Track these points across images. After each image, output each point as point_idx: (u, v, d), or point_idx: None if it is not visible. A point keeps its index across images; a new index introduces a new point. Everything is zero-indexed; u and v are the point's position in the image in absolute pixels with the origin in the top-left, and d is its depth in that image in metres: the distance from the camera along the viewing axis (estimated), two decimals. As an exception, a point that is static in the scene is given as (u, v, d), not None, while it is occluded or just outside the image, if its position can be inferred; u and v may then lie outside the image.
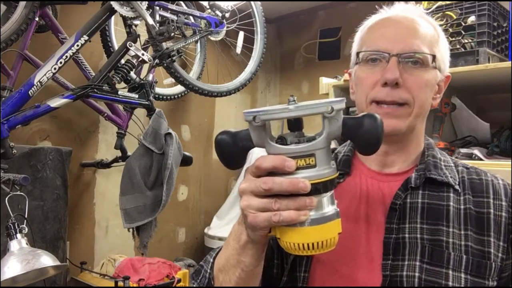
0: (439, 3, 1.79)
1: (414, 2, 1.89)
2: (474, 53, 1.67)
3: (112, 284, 1.77)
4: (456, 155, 1.73)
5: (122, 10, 1.57)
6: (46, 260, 1.17)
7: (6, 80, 1.59)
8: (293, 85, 3.09)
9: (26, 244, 1.20)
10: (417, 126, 0.79)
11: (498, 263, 0.71)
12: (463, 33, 1.71)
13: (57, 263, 1.20)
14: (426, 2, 1.83)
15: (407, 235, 0.73)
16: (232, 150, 0.61)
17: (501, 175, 1.47)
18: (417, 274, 0.70)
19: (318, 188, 0.56)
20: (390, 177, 0.80)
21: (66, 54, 1.50)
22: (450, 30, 1.75)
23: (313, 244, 0.56)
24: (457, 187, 0.76)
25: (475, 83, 1.84)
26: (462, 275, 0.70)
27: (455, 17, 1.74)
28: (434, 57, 0.76)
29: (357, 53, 0.81)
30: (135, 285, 1.83)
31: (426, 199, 0.75)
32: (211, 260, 0.74)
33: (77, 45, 1.52)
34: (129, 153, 1.90)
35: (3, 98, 1.47)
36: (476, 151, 1.68)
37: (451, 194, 0.76)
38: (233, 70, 2.40)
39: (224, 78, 2.36)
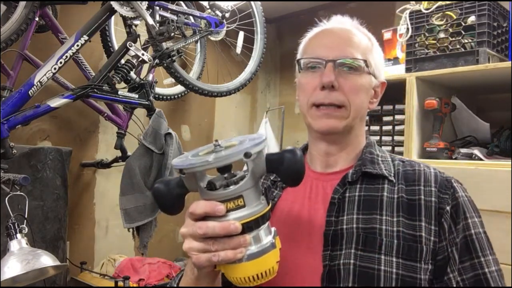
0: (439, 3, 1.79)
1: (414, 2, 1.90)
2: (474, 53, 1.67)
3: (112, 284, 1.77)
4: (456, 155, 1.73)
5: (122, 10, 1.57)
6: (46, 260, 1.17)
7: (6, 80, 1.59)
8: (293, 85, 3.06)
9: (26, 244, 1.20)
10: (354, 127, 0.85)
11: (430, 246, 0.75)
12: (463, 33, 1.71)
13: (57, 263, 1.20)
14: (426, 2, 1.83)
15: (344, 226, 0.78)
16: (168, 197, 0.65)
17: (501, 175, 1.47)
18: (352, 261, 0.75)
19: (250, 226, 0.60)
20: (332, 176, 0.86)
21: (66, 54, 1.50)
22: (450, 30, 1.75)
23: (253, 276, 0.61)
24: (392, 178, 0.82)
25: (475, 83, 1.84)
26: (394, 259, 0.74)
27: (455, 17, 1.74)
28: (365, 62, 0.83)
29: (298, 61, 0.89)
30: (135, 285, 1.83)
31: (363, 192, 0.81)
32: (175, 286, 0.80)
33: (77, 45, 1.52)
34: (129, 153, 1.90)
35: (3, 98, 1.47)
36: (476, 151, 1.68)
37: (386, 185, 0.81)
38: (233, 70, 2.40)
39: (224, 78, 2.36)
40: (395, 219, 0.77)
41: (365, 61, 0.83)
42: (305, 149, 0.94)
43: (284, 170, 0.63)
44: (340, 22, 0.91)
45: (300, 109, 0.90)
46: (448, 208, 0.77)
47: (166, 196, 0.65)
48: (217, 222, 0.60)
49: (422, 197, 0.79)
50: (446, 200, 0.78)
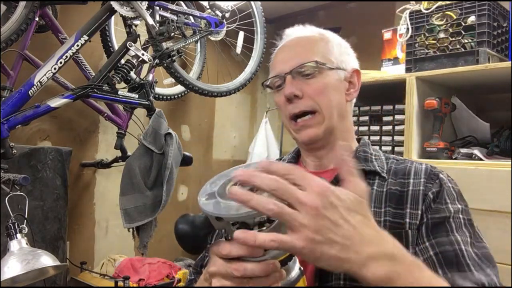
0: (439, 3, 1.79)
1: (414, 2, 1.90)
2: (474, 53, 1.67)
3: (112, 284, 1.77)
4: (456, 155, 1.73)
5: (122, 10, 1.57)
6: (46, 260, 1.17)
7: (6, 80, 1.59)
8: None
9: (26, 244, 1.20)
10: (335, 126, 0.87)
11: (414, 231, 0.77)
12: (463, 33, 1.71)
13: (57, 263, 1.20)
14: (426, 2, 1.83)
15: None
16: (195, 239, 0.61)
17: (501, 175, 1.47)
18: None
19: (285, 261, 0.59)
20: (328, 173, 0.87)
21: (66, 54, 1.50)
22: (450, 30, 1.75)
23: None
24: (384, 174, 0.85)
25: (475, 83, 1.84)
26: None
27: (455, 17, 1.74)
28: (317, 62, 0.84)
29: (264, 84, 0.92)
30: (135, 285, 1.83)
31: None
32: None
33: (77, 45, 1.52)
34: (129, 153, 1.90)
35: (3, 98, 1.47)
36: (476, 151, 1.68)
37: (376, 180, 0.84)
38: (233, 70, 2.40)
39: (224, 78, 2.36)
40: (382, 210, 0.80)
41: (316, 61, 0.84)
42: (299, 151, 0.96)
43: None
44: (296, 32, 0.93)
45: (283, 125, 0.92)
46: (430, 193, 0.80)
47: (192, 237, 0.60)
48: (256, 264, 0.57)
49: (410, 188, 0.82)
50: (430, 187, 0.81)
